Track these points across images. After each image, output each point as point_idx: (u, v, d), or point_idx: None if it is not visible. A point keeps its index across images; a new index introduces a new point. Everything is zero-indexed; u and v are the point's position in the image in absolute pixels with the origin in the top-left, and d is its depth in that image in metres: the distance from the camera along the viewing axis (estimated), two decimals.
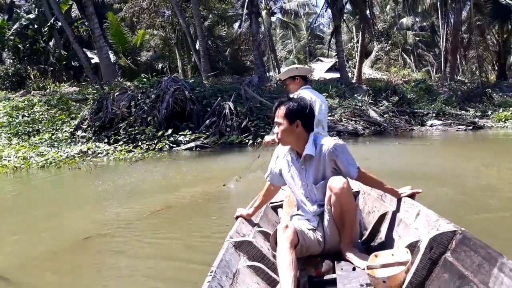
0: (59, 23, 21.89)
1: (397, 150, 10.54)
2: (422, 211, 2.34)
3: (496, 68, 29.42)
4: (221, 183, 6.52)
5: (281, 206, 3.32)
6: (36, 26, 24.49)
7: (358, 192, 3.17)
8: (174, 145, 12.10)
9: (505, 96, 19.85)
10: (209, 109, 13.56)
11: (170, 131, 12.35)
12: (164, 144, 11.91)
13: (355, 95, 17.22)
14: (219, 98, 13.74)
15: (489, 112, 17.16)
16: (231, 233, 2.48)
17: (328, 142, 2.46)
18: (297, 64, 36.17)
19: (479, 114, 17.21)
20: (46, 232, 4.67)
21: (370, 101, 17.15)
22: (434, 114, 16.59)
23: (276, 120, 2.52)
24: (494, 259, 1.64)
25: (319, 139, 2.52)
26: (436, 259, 1.92)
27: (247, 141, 12.33)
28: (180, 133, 12.51)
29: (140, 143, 11.77)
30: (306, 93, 3.71)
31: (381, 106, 16.96)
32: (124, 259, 3.69)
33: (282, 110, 2.49)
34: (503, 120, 15.73)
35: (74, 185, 8.04)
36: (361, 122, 14.70)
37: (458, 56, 27.02)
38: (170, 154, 11.24)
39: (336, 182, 2.36)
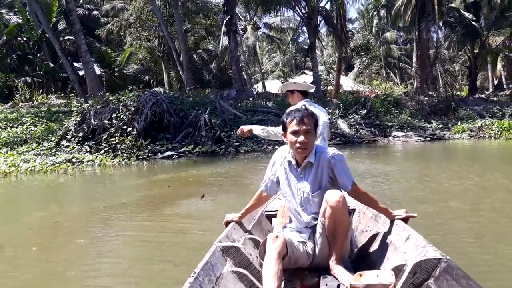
0: (47, 35, 22.74)
1: (347, 157, 11.81)
2: (412, 236, 2.35)
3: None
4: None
5: (275, 216, 3.32)
6: (24, 38, 25.29)
7: (353, 210, 3.18)
8: (152, 154, 13.09)
9: (469, 110, 21.15)
10: (186, 120, 14.60)
11: (148, 141, 13.37)
12: (142, 153, 12.89)
13: (326, 108, 18.33)
14: (195, 111, 14.80)
15: (450, 125, 18.47)
16: (220, 237, 2.49)
17: (328, 151, 2.57)
18: (283, 77, 37.44)
19: (441, 126, 18.53)
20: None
21: (340, 114, 18.36)
22: (398, 126, 17.85)
23: (303, 128, 2.50)
24: None
25: (319, 148, 2.61)
26: (418, 284, 1.92)
27: (219, 150, 13.38)
28: (157, 143, 13.53)
29: (120, 153, 12.75)
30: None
31: (351, 118, 18.19)
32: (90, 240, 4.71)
33: (311, 119, 2.54)
34: (460, 132, 17.06)
35: (58, 187, 9.03)
36: None
37: (434, 71, 28.46)
38: (148, 162, 12.20)
39: (332, 195, 2.38)
